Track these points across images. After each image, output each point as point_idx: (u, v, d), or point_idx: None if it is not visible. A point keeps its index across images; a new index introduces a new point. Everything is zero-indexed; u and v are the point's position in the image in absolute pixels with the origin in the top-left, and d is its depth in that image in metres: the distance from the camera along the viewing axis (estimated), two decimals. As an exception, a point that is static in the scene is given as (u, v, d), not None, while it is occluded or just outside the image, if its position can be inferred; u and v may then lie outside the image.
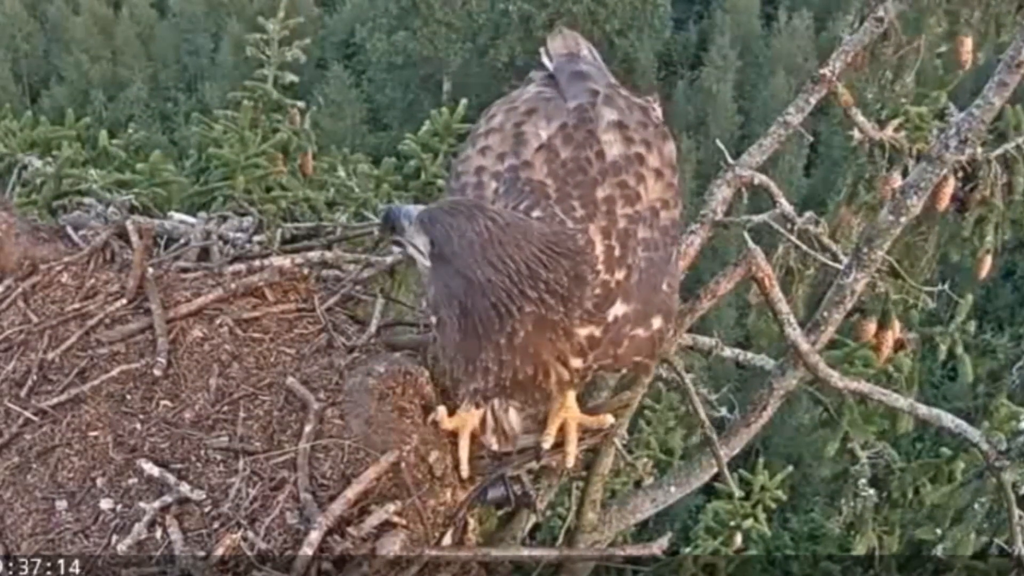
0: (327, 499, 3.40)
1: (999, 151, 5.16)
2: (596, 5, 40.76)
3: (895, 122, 5.36)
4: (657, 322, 3.16)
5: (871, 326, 5.06)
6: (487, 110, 3.45)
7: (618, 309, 3.07)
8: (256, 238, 4.71)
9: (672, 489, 4.33)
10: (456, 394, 3.64)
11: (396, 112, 40.26)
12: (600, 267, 3.02)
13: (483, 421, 3.63)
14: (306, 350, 3.95)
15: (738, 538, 6.06)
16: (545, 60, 3.55)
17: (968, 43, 5.31)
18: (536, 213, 3.06)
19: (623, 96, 3.39)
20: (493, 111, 3.39)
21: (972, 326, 5.31)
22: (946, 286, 5.11)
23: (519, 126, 3.25)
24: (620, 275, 3.05)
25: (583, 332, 3.01)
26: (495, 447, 3.65)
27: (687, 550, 6.14)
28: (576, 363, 3.06)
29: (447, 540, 3.53)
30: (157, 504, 3.41)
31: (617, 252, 3.06)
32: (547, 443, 3.62)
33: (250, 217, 4.88)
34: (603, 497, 4.23)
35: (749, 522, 6.04)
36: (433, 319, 3.09)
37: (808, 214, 4.71)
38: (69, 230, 4.44)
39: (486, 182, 3.16)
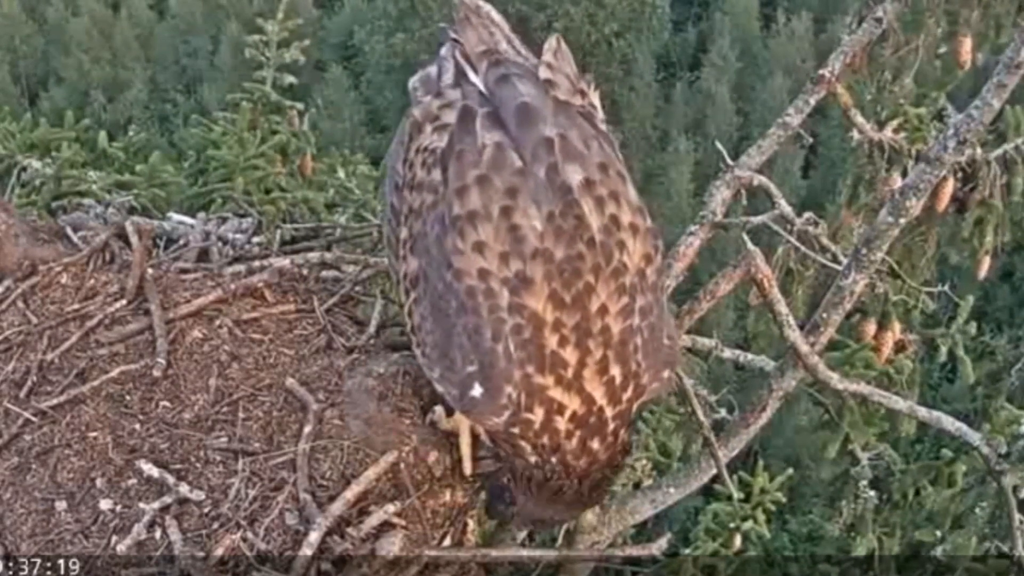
0: (327, 500, 3.41)
1: (998, 152, 5.16)
2: (595, 7, 40.72)
3: (894, 123, 5.35)
4: (666, 372, 3.25)
5: (871, 327, 5.05)
6: (422, 140, 3.27)
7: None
8: (255, 239, 4.71)
9: (671, 490, 4.33)
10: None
11: (395, 114, 40.09)
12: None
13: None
14: (305, 351, 3.95)
15: (737, 540, 6.04)
16: (469, 73, 3.31)
17: (967, 44, 5.30)
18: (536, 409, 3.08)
19: (568, 119, 3.20)
20: (466, 181, 3.10)
21: (972, 328, 5.30)
22: (945, 287, 5.10)
23: (509, 215, 3.06)
24: (635, 366, 3.12)
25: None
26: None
27: (686, 551, 6.12)
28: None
29: (446, 541, 3.53)
30: (157, 504, 3.41)
31: (621, 359, 3.10)
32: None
33: (249, 218, 4.88)
34: (602, 498, 4.22)
35: (748, 524, 6.02)
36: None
37: (807, 215, 4.70)
38: (68, 231, 4.44)
39: (497, 290, 3.03)
